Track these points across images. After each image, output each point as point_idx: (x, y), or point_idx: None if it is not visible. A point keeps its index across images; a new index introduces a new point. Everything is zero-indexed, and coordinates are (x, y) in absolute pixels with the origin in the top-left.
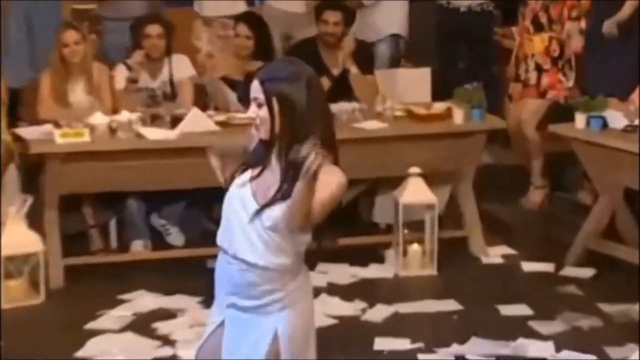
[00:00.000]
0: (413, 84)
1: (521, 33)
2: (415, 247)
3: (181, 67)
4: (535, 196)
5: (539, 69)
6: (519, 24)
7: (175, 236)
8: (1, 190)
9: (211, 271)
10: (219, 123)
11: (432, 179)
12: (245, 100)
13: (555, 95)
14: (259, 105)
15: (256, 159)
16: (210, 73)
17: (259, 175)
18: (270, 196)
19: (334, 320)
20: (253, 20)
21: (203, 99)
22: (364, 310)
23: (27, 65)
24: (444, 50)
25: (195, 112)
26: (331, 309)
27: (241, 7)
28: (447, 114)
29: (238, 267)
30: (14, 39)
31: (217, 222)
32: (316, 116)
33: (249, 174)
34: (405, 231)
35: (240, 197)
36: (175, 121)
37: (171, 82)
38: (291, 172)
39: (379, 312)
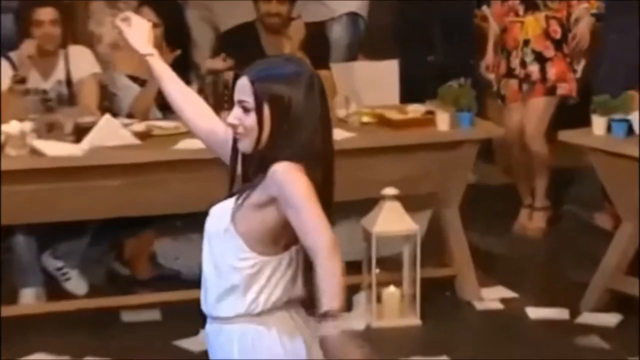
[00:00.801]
0: (377, 81)
1: (502, 16)
2: (391, 290)
3: (81, 62)
4: (536, 220)
5: (541, 58)
6: (493, 5)
7: (75, 282)
8: None
9: (128, 326)
10: (137, 134)
11: (407, 203)
12: (165, 106)
13: (567, 90)
14: (246, 110)
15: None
16: (118, 69)
17: (229, 195)
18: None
19: None
20: (161, 2)
21: (107, 103)
22: None
23: None
24: (408, 39)
25: (107, 119)
26: None
27: None
28: (429, 120)
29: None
30: None
31: (129, 263)
32: (314, 127)
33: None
34: (377, 270)
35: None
36: (79, 132)
37: (68, 82)
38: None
39: None
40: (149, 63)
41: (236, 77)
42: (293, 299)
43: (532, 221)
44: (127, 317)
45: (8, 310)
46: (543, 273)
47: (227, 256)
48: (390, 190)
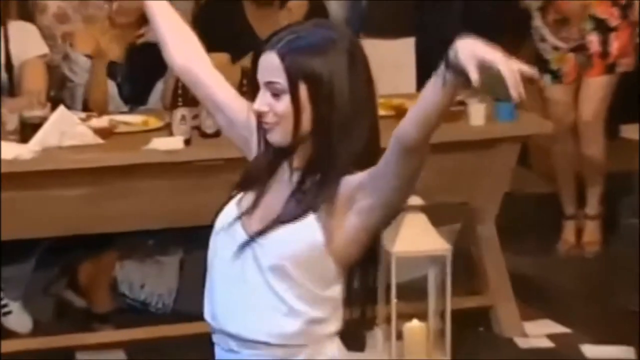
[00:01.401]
0: (389, 65)
1: None
2: (415, 324)
3: (24, 42)
4: (590, 233)
5: (602, 27)
6: None
7: (17, 317)
8: None
9: None
10: (98, 131)
11: (429, 215)
12: (130, 97)
13: (629, 66)
14: (275, 94)
15: (258, 176)
16: (76, 48)
17: (257, 200)
18: (272, 219)
19: None
20: None
21: (55, 92)
22: None
23: None
24: (423, 11)
25: (62, 113)
26: None
27: None
28: (459, 112)
29: (228, 348)
30: None
31: (84, 293)
32: (361, 106)
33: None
34: (394, 300)
35: (228, 234)
36: (26, 129)
37: (9, 66)
38: (312, 181)
39: None
40: None
41: (257, 55)
42: None
43: (585, 234)
44: (81, 356)
45: None
46: (600, 302)
47: (311, 287)
48: (414, 200)
